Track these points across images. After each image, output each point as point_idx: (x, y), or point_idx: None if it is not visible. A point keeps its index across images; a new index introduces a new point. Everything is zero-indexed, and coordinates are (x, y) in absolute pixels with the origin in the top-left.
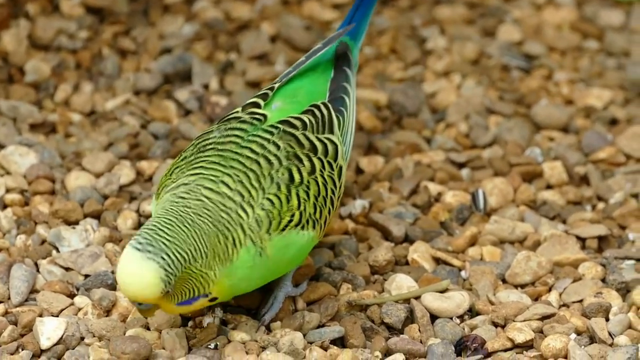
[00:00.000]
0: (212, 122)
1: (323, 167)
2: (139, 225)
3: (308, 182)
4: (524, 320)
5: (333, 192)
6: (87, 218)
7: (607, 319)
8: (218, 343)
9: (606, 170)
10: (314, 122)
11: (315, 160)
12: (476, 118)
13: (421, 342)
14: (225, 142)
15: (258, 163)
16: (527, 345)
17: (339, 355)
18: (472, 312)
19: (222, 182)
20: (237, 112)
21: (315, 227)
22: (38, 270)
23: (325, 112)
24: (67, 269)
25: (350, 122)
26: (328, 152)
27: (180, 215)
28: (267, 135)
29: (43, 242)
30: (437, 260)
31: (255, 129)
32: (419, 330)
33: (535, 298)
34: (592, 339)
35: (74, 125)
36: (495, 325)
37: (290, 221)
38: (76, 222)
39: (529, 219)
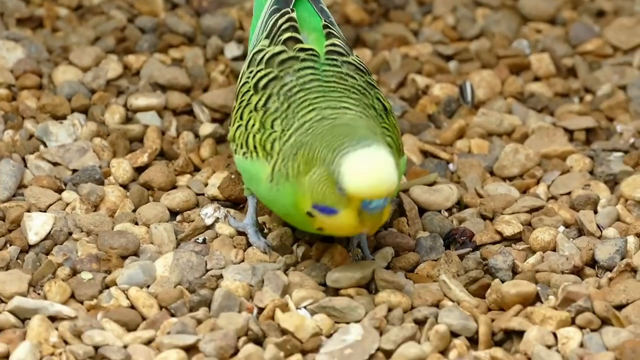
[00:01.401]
0: (198, 15)
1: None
2: (126, 120)
3: (390, 106)
4: (513, 213)
5: None
6: (74, 112)
7: (596, 212)
8: (206, 237)
9: (593, 62)
10: (344, 43)
11: (375, 83)
12: (463, 10)
13: (410, 235)
14: (308, 82)
15: (355, 93)
16: (516, 238)
17: (328, 248)
18: (461, 204)
19: (344, 107)
20: (286, 51)
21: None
22: (26, 166)
23: (337, 29)
24: (55, 164)
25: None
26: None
27: (359, 118)
28: (337, 69)
29: (31, 137)
30: (425, 153)
31: (320, 65)
32: (408, 223)
33: (524, 191)
34: (581, 232)
35: (61, 19)
36: (484, 217)
37: (399, 148)
38: (64, 117)
39: (516, 111)
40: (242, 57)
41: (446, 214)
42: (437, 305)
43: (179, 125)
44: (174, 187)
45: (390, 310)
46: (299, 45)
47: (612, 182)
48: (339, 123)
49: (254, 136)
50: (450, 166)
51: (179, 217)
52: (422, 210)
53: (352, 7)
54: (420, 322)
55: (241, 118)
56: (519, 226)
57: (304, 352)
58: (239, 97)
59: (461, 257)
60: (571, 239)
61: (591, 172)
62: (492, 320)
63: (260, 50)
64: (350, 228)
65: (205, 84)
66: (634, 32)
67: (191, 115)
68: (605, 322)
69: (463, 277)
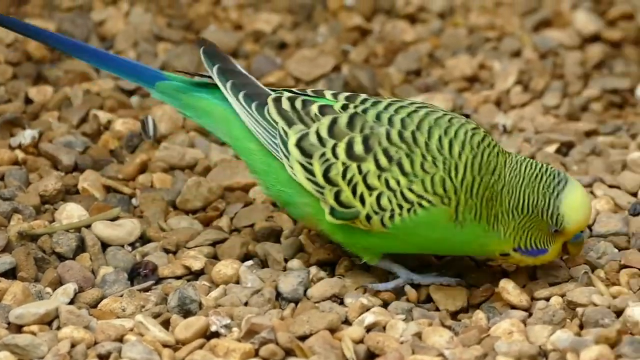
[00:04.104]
0: None
1: None
2: None
3: None
4: (196, 246)
5: None
6: None
7: (279, 243)
8: None
9: None
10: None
11: None
12: (145, 45)
13: (93, 271)
14: (399, 120)
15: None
16: (199, 273)
17: (9, 287)
18: (144, 239)
19: (452, 124)
20: (338, 116)
21: None
22: None
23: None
24: None
25: None
26: None
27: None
28: (381, 103)
29: None
30: (108, 189)
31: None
32: (91, 259)
33: (207, 223)
34: (264, 264)
35: None
36: (167, 251)
37: None
38: None
39: (199, 144)
40: None
41: (129, 248)
42: (120, 340)
43: None
44: None
45: (73, 346)
46: (340, 103)
47: None
48: (510, 162)
49: (410, 189)
50: (133, 201)
51: None
52: (105, 246)
53: (34, 44)
54: (103, 357)
55: (370, 188)
56: (203, 260)
57: None
58: (341, 180)
59: (146, 290)
60: (254, 271)
61: (274, 204)
62: (175, 352)
63: (305, 135)
64: (550, 260)
65: None
66: (315, 63)
67: None
68: (289, 353)
69: (147, 312)
